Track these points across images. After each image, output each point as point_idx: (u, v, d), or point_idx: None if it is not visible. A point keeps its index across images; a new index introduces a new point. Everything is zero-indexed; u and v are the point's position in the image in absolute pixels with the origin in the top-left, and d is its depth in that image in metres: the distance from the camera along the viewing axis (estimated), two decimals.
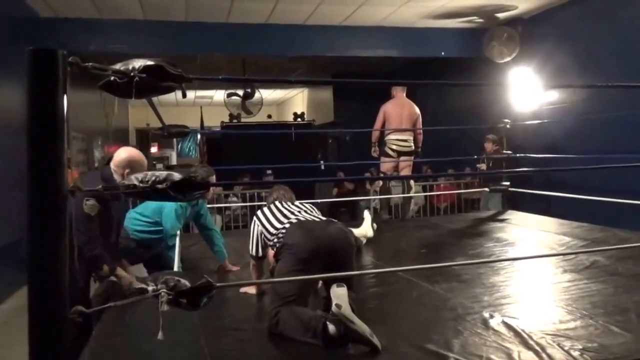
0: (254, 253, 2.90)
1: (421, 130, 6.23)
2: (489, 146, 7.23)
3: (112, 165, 3.09)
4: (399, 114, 6.07)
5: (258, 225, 2.83)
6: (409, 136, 6.11)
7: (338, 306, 2.17)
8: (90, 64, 1.36)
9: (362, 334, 2.15)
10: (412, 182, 6.44)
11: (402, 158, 6.10)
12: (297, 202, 2.99)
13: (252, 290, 3.08)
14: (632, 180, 5.16)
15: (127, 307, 1.52)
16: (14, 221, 4.98)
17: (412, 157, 6.20)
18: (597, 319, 2.43)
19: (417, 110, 6.21)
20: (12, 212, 4.94)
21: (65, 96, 1.31)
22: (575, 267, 3.39)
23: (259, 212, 2.90)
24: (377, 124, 6.16)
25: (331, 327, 2.18)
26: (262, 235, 2.80)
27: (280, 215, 2.78)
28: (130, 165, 3.02)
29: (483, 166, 7.33)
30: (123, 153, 3.08)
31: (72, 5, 6.36)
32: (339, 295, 2.30)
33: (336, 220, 2.87)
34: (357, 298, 2.61)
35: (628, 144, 5.56)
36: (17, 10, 6.09)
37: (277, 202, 2.93)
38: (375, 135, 6.22)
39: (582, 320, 2.43)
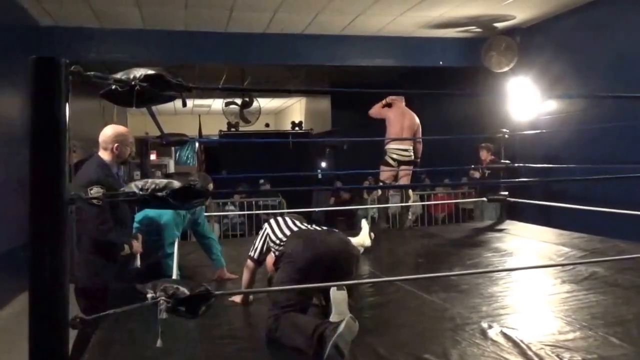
0: (252, 254, 2.89)
1: (421, 140, 6.24)
2: (484, 154, 7.25)
3: (101, 143, 3.19)
4: (400, 123, 6.08)
5: (267, 229, 2.84)
6: (409, 145, 6.11)
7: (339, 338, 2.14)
8: (92, 72, 1.36)
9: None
10: (410, 191, 6.44)
11: (401, 167, 6.09)
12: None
13: (237, 299, 3.07)
14: (632, 191, 5.16)
15: (126, 315, 1.51)
16: (14, 227, 4.98)
17: (411, 167, 6.20)
18: (596, 330, 2.42)
19: (417, 120, 6.22)
20: (13, 218, 4.93)
21: (67, 104, 1.32)
22: (575, 278, 3.39)
23: (271, 219, 2.92)
24: (378, 109, 6.26)
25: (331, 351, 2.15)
26: (268, 238, 2.80)
27: (290, 223, 2.81)
28: (117, 139, 3.17)
29: (476, 174, 7.33)
30: (108, 129, 3.22)
31: (72, 15, 6.38)
32: (339, 300, 2.29)
33: (338, 231, 2.87)
34: (355, 307, 2.60)
35: (627, 155, 5.57)
36: (18, 19, 6.11)
37: (291, 217, 2.94)
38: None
39: (582, 331, 2.43)
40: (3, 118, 5.42)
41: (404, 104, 6.25)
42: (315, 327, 2.23)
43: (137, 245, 3.28)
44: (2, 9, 5.58)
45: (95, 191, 2.83)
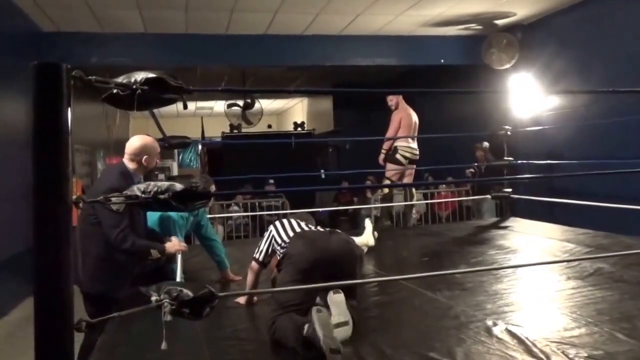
0: (257, 256, 2.88)
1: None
2: (479, 154, 7.23)
3: (127, 154, 3.15)
4: (410, 122, 6.05)
5: (272, 231, 2.84)
6: (416, 143, 6.09)
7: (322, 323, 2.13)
8: (94, 77, 1.37)
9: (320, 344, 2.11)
10: (413, 190, 6.42)
11: (408, 165, 6.06)
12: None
13: (241, 300, 3.06)
14: (636, 186, 5.14)
15: (130, 318, 1.52)
16: (19, 232, 5.00)
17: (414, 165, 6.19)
18: (602, 326, 2.41)
19: None
20: (18, 223, 4.95)
21: (69, 109, 1.33)
22: (580, 274, 3.38)
23: (276, 221, 2.92)
24: (392, 132, 5.98)
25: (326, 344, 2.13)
26: (273, 240, 2.80)
27: (295, 224, 2.80)
28: (147, 151, 3.12)
29: (470, 171, 7.33)
30: (136, 141, 3.16)
31: (74, 20, 6.41)
32: (336, 302, 2.29)
33: (340, 231, 2.87)
34: (359, 307, 2.60)
35: (631, 149, 5.55)
36: (20, 24, 6.13)
37: (297, 219, 2.94)
38: (389, 143, 6.08)
39: (587, 327, 2.42)
40: (7, 123, 5.45)
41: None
42: (299, 329, 2.22)
43: (173, 245, 3.24)
44: (4, 15, 5.61)
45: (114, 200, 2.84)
